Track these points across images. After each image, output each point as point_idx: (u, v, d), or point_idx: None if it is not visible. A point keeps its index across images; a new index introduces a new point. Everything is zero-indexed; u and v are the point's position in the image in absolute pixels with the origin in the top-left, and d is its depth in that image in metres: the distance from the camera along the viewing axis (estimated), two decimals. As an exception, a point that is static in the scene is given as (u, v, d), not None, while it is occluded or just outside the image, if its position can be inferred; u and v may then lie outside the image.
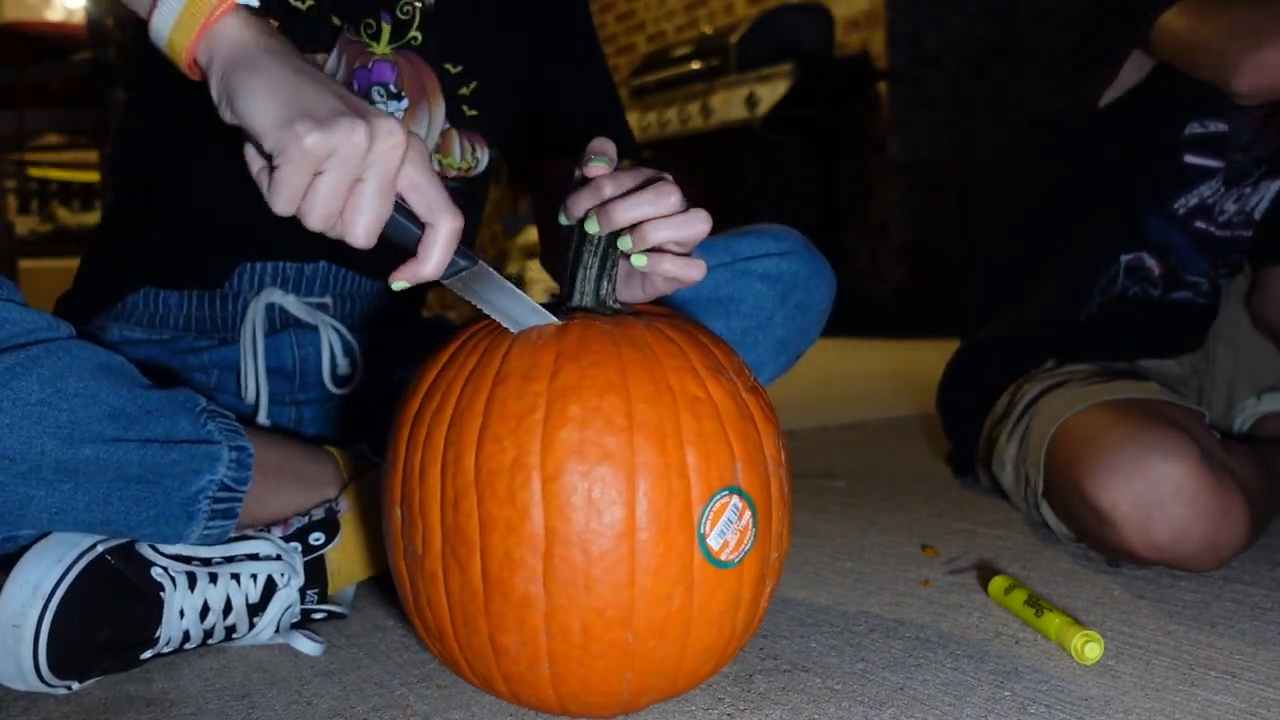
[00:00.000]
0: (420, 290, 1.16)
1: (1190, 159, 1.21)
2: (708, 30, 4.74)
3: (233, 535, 0.85)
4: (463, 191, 1.05)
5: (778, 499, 0.66)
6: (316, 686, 0.77)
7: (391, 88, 0.98)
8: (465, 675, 0.67)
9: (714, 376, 0.64)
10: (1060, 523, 1.09)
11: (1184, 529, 0.93)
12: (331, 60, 0.96)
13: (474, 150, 1.04)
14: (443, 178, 0.99)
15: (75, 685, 0.75)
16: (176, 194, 1.00)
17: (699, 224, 0.68)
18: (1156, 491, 0.93)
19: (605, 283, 0.69)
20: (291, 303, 1.02)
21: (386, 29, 0.98)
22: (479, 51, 1.03)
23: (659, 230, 0.67)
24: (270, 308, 1.02)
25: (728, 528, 0.62)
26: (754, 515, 0.63)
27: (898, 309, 4.25)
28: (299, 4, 0.95)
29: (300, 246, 1.00)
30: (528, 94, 1.09)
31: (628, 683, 0.63)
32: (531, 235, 5.79)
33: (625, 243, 0.67)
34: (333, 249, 1.00)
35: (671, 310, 0.73)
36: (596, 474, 0.59)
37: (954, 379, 1.37)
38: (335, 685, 0.77)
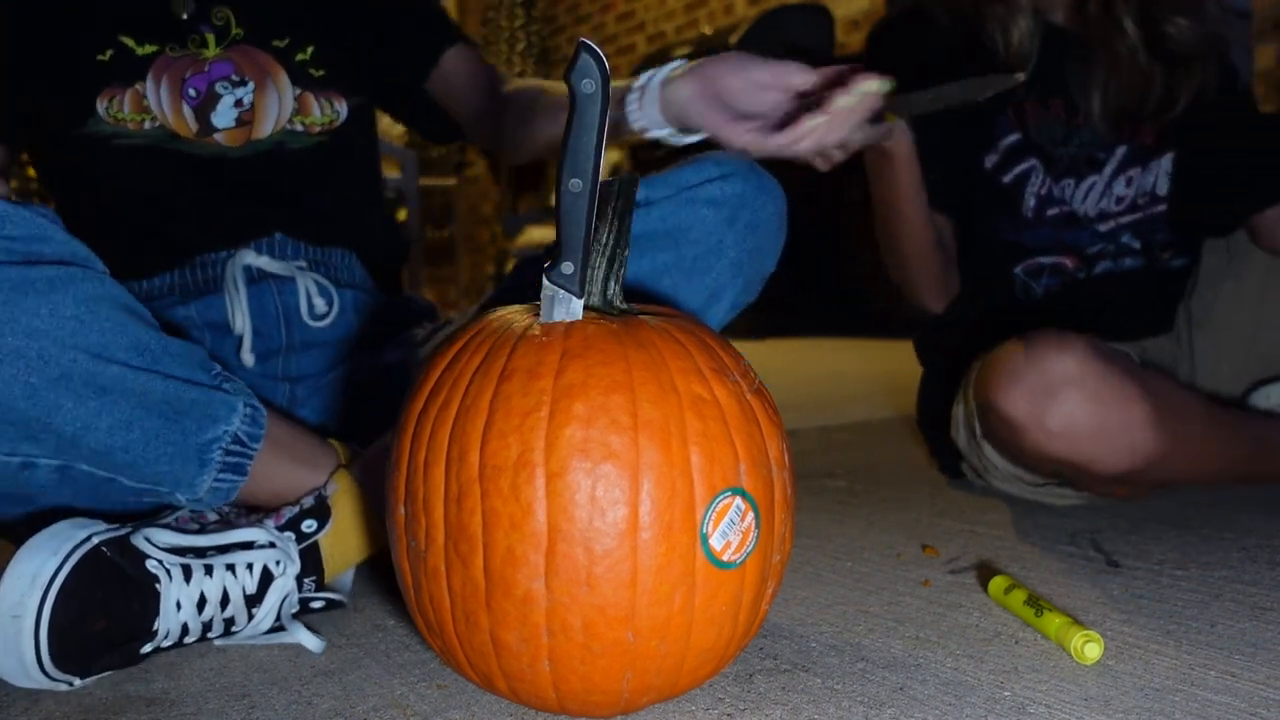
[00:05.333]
0: (395, 271, 1.23)
1: (1005, 178, 1.29)
2: (708, 30, 4.74)
3: (224, 525, 0.85)
4: (329, 143, 1.14)
5: (780, 501, 0.66)
6: (316, 686, 0.77)
7: (234, 77, 1.10)
8: (465, 673, 0.67)
9: (719, 378, 0.65)
10: (1002, 458, 1.13)
11: (1073, 414, 0.99)
12: (149, 88, 1.07)
13: (332, 104, 1.15)
14: (307, 135, 1.13)
15: (77, 681, 0.75)
16: (97, 207, 1.11)
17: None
18: (1045, 380, 0.99)
19: (612, 283, 0.69)
20: (266, 262, 1.08)
21: (211, 37, 1.10)
22: (297, 19, 1.14)
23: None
24: (248, 269, 1.08)
25: (730, 529, 0.62)
26: (756, 517, 0.63)
27: (898, 309, 4.25)
28: (103, 57, 1.06)
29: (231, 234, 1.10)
30: (363, 29, 1.19)
31: (628, 682, 0.63)
32: (532, 235, 5.77)
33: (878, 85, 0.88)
34: (270, 219, 1.10)
35: (678, 312, 0.73)
36: (600, 472, 0.59)
37: (925, 393, 1.41)
38: (335, 685, 0.77)
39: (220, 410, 0.83)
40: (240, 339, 1.05)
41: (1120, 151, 1.29)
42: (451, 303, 6.26)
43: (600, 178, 0.65)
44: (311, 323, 1.08)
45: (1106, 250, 1.30)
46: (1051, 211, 1.30)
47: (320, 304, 1.09)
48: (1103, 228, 1.30)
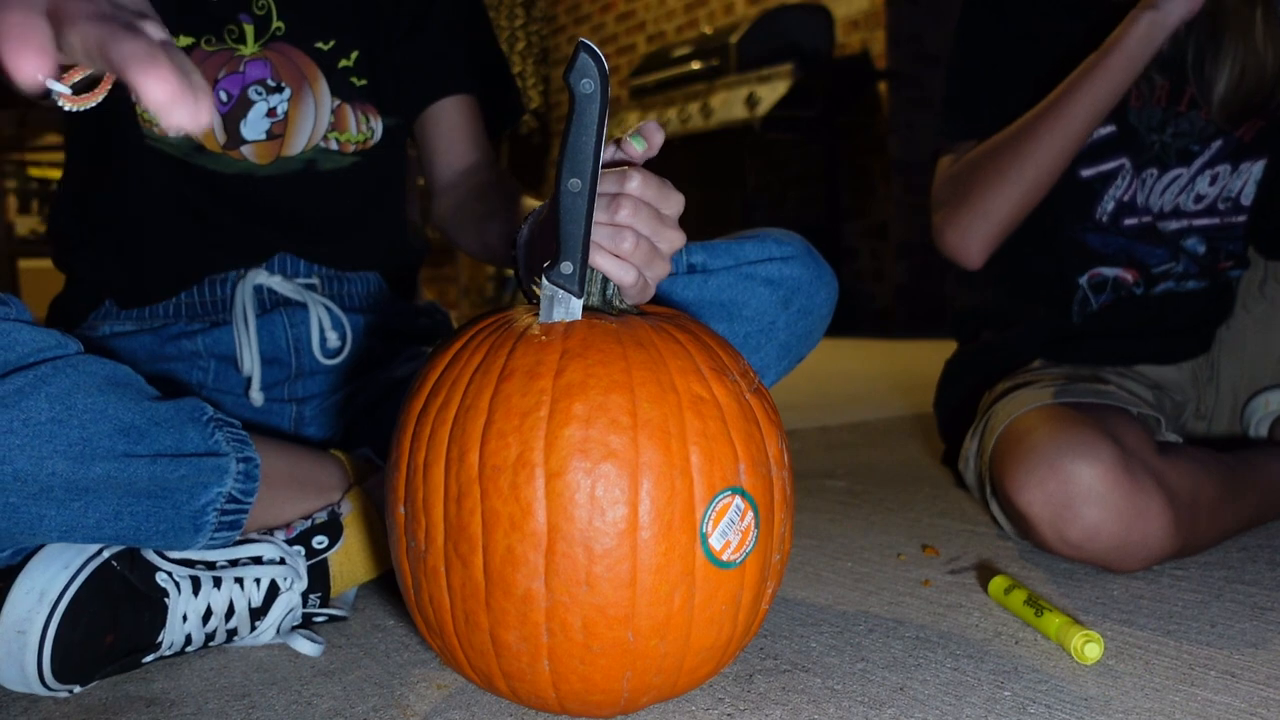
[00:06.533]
0: (412, 276, 1.19)
1: (1085, 172, 1.21)
2: (708, 30, 4.74)
3: (237, 539, 0.85)
4: (361, 165, 1.09)
5: (780, 501, 0.66)
6: (316, 686, 0.77)
7: (270, 82, 1.03)
8: (465, 672, 0.67)
9: (718, 377, 0.65)
10: (1006, 520, 1.11)
11: (1094, 529, 0.95)
12: None
13: (368, 120, 1.08)
14: (340, 154, 1.06)
15: (77, 689, 0.75)
16: (116, 227, 1.04)
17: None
18: (1067, 492, 0.96)
19: (611, 283, 0.69)
20: (278, 283, 1.04)
21: (250, 29, 1.03)
22: (345, 21, 1.07)
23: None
24: (259, 289, 1.04)
25: (730, 528, 0.62)
26: (756, 516, 0.63)
27: (898, 309, 4.25)
28: None
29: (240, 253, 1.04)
30: (412, 41, 1.12)
31: (628, 682, 0.63)
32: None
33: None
34: (286, 244, 1.05)
35: (677, 312, 0.73)
36: (600, 472, 0.59)
37: (947, 382, 1.38)
38: (335, 685, 0.77)
39: (211, 476, 0.79)
40: (248, 366, 1.01)
41: (1216, 145, 1.20)
42: (452, 303, 6.25)
43: (599, 178, 0.65)
44: (324, 360, 1.05)
45: (1172, 270, 1.23)
46: (1129, 221, 1.21)
47: (333, 338, 1.04)
48: (1173, 225, 1.22)
